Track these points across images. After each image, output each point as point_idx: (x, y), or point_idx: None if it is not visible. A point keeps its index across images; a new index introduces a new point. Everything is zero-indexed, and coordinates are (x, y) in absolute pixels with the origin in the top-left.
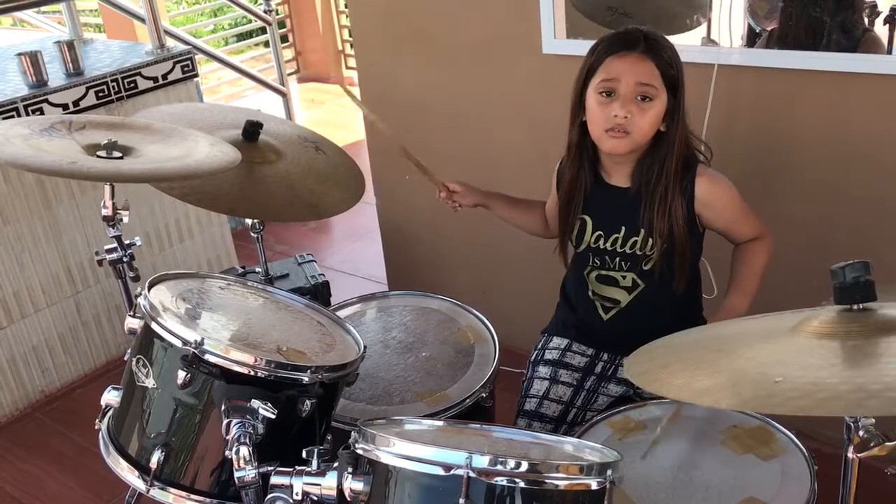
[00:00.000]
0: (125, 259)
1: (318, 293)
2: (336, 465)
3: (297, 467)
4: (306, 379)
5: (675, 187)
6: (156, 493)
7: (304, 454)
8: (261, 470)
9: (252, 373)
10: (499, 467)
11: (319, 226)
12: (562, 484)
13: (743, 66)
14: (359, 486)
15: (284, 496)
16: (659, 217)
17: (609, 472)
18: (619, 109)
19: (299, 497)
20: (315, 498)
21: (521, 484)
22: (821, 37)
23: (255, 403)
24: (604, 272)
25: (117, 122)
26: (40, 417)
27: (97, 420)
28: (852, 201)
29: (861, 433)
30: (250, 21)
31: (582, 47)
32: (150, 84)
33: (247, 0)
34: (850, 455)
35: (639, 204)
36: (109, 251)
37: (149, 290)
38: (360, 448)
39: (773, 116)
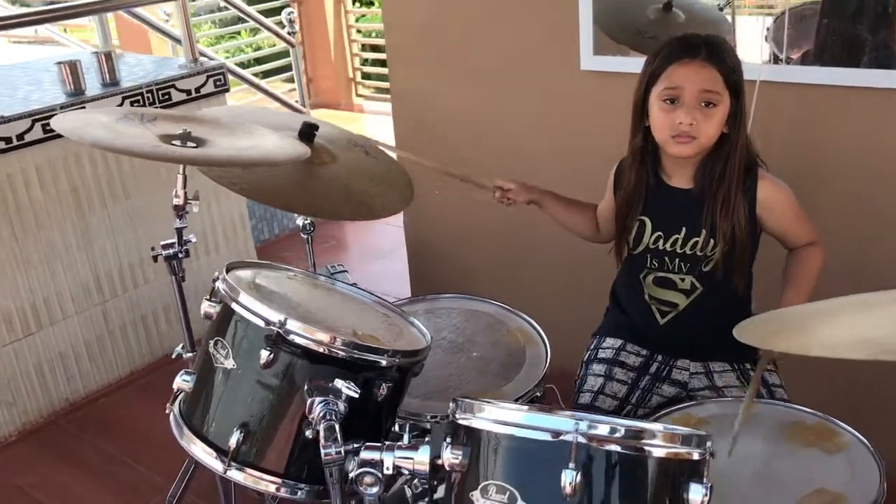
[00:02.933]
0: (181, 255)
1: None
2: (428, 438)
3: (388, 442)
4: (384, 362)
5: (737, 189)
6: (233, 473)
7: (396, 428)
8: (346, 448)
9: (334, 353)
10: (607, 433)
11: (338, 244)
12: (663, 452)
13: (784, 82)
14: (457, 456)
15: (374, 471)
16: (722, 218)
17: (708, 443)
18: (685, 117)
19: (390, 471)
20: (407, 472)
21: (625, 451)
22: (861, 54)
23: (339, 383)
24: (661, 274)
25: (187, 115)
26: (65, 425)
27: (167, 404)
28: (886, 218)
29: None
30: (268, 46)
31: (620, 63)
32: (184, 97)
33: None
34: None
35: (701, 205)
36: (166, 246)
37: (226, 273)
38: (461, 418)
39: (812, 132)
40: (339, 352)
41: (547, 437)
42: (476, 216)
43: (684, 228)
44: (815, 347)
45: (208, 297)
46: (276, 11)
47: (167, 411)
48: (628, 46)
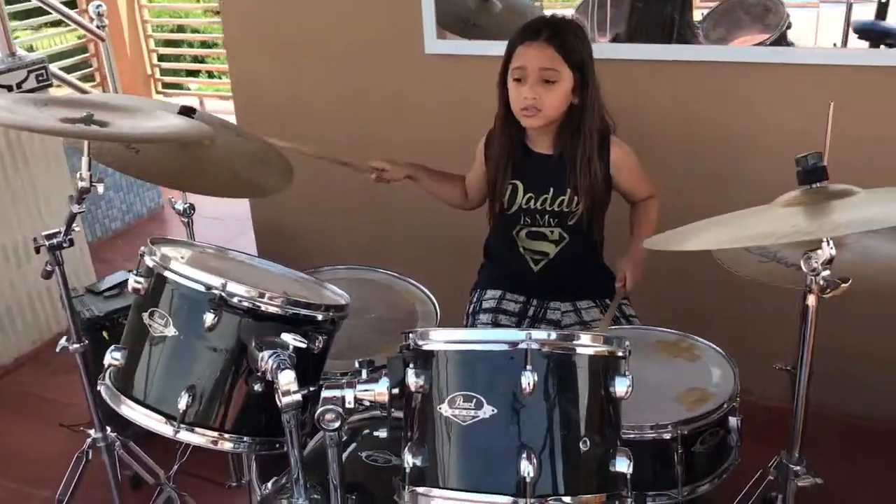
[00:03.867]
0: (65, 244)
1: None
2: (386, 372)
3: (347, 380)
4: (320, 316)
5: (593, 152)
6: (184, 434)
7: (356, 364)
8: (304, 392)
9: (275, 311)
10: (554, 338)
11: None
12: (593, 350)
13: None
14: (421, 379)
15: (335, 407)
16: (583, 178)
17: (626, 343)
18: (528, 92)
19: (351, 405)
20: (367, 403)
21: (566, 352)
22: (671, 32)
23: (286, 336)
24: (534, 229)
25: (76, 98)
26: None
27: (98, 379)
28: (701, 170)
29: (820, 280)
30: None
31: (463, 47)
32: (5, 93)
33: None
34: (810, 303)
35: (564, 168)
36: (49, 237)
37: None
38: (424, 344)
39: (638, 100)
40: (280, 309)
41: (505, 347)
42: (332, 193)
43: (552, 188)
44: (697, 244)
45: (135, 271)
46: (70, 4)
47: (98, 387)
48: (456, 34)
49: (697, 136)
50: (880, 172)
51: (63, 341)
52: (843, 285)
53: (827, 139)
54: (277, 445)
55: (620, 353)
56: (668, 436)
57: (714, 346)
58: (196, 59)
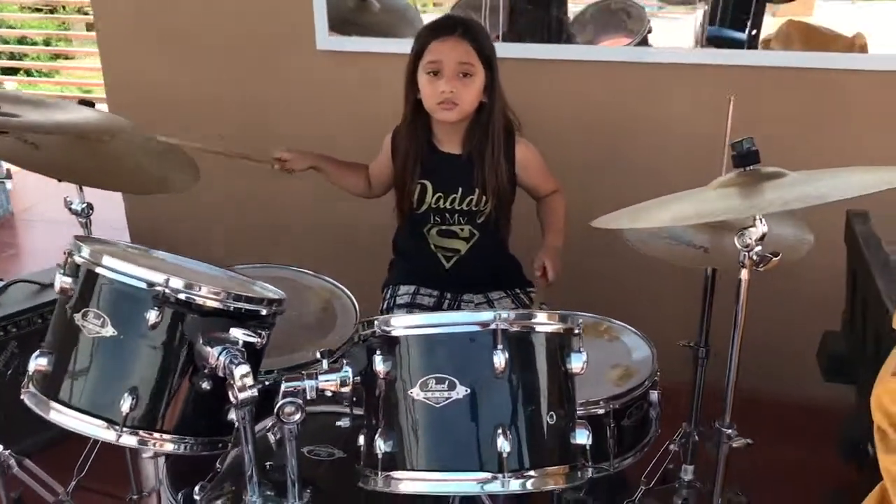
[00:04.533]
0: None
1: None
2: (346, 361)
3: (306, 371)
4: (264, 311)
5: (500, 151)
6: (126, 439)
7: (318, 355)
8: (259, 386)
9: (220, 306)
10: (518, 318)
11: (19, 251)
12: (550, 328)
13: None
14: (389, 365)
15: (296, 400)
16: (490, 177)
17: (580, 320)
18: (446, 85)
19: (314, 396)
20: (330, 394)
21: (527, 330)
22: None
23: (236, 331)
24: (444, 227)
25: None
26: None
27: (22, 388)
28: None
29: (754, 256)
30: None
31: (356, 43)
32: None
33: None
34: (744, 277)
35: (471, 167)
36: None
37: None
38: (391, 330)
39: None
40: (224, 304)
41: (476, 328)
42: (218, 192)
43: (461, 188)
44: (647, 222)
45: (61, 270)
46: None
47: (22, 396)
48: (335, 32)
49: (595, 131)
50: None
51: None
52: (774, 259)
53: (728, 130)
54: (220, 445)
55: (577, 330)
56: (601, 411)
57: (629, 327)
58: (13, 57)
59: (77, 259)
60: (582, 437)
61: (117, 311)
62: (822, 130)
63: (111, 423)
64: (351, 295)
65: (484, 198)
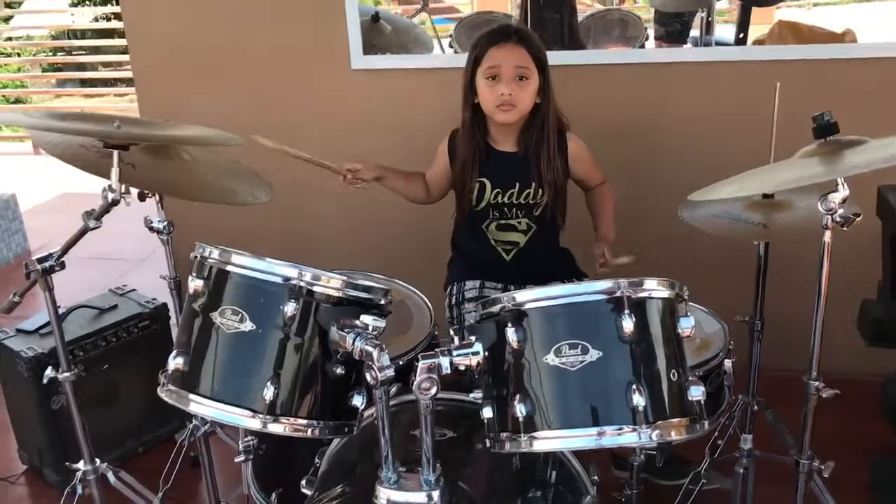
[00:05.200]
0: (56, 267)
1: (159, 315)
2: (474, 338)
3: (439, 348)
4: (383, 300)
5: (554, 147)
6: (273, 426)
7: (451, 332)
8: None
9: (349, 296)
10: (639, 285)
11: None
12: (666, 293)
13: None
14: (520, 336)
15: (432, 375)
16: (546, 172)
17: (685, 287)
18: (505, 88)
19: (448, 371)
20: (463, 367)
21: (642, 296)
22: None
23: (366, 318)
24: (503, 221)
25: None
26: None
27: (159, 390)
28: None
29: (837, 217)
30: None
31: (389, 61)
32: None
33: None
34: (827, 240)
35: (527, 164)
36: (42, 260)
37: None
38: (524, 303)
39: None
40: (352, 294)
41: (602, 297)
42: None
43: (518, 184)
44: (740, 190)
45: (193, 274)
46: None
47: (161, 393)
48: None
49: (626, 129)
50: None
51: (49, 371)
52: (857, 219)
53: (775, 115)
54: (346, 429)
55: (685, 296)
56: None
57: (695, 304)
58: None
59: (209, 260)
60: (697, 392)
61: (255, 306)
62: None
63: (254, 411)
64: (423, 295)
65: (540, 191)
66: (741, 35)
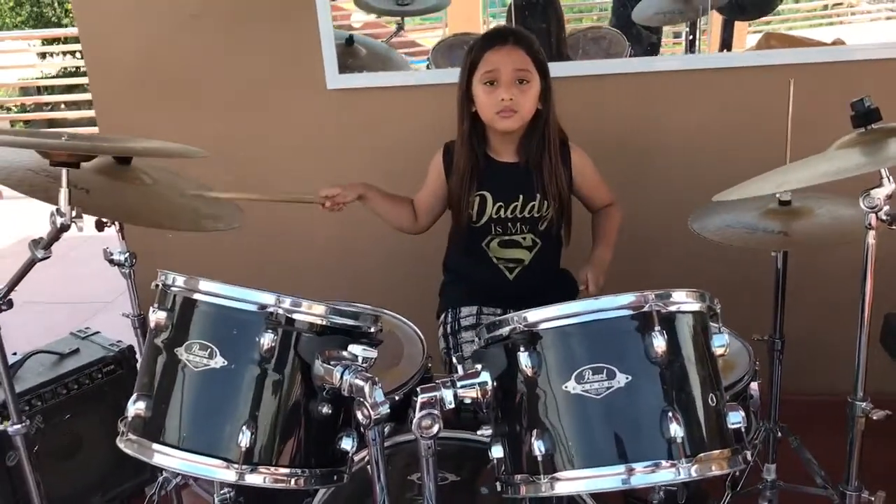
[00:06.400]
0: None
1: (125, 359)
2: (480, 367)
3: (440, 380)
4: (372, 328)
5: (557, 157)
6: (251, 478)
7: (454, 361)
8: (384, 401)
9: (333, 324)
10: (671, 298)
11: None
12: (697, 306)
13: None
14: (535, 362)
15: (433, 411)
16: (550, 182)
17: (716, 299)
18: (504, 93)
19: (452, 405)
20: (469, 401)
21: (674, 311)
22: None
23: (354, 348)
24: (506, 237)
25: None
26: None
27: (118, 440)
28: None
29: (882, 216)
30: None
31: (365, 80)
32: None
33: None
34: (870, 241)
35: (530, 174)
36: None
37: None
38: (538, 324)
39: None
40: (338, 321)
41: (627, 313)
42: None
43: (521, 196)
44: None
45: (155, 305)
46: None
47: (120, 444)
48: None
49: (627, 140)
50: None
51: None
52: None
53: (790, 111)
54: (335, 477)
55: (717, 309)
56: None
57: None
58: None
59: (173, 289)
60: (736, 418)
61: (226, 338)
62: None
63: (229, 461)
64: (411, 324)
65: (546, 203)
66: (724, 51)
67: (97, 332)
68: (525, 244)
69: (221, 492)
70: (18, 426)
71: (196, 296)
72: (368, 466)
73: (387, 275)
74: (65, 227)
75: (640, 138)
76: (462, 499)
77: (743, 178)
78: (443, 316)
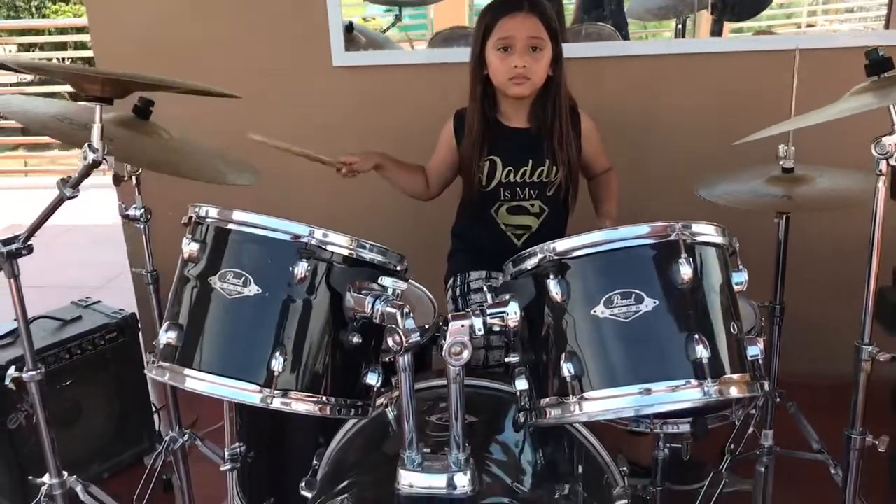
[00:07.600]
0: (24, 251)
1: (128, 326)
2: (508, 296)
3: (470, 308)
4: (399, 266)
5: (568, 123)
6: (277, 403)
7: (484, 289)
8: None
9: (361, 256)
10: (697, 230)
11: None
12: (720, 239)
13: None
14: (564, 289)
15: (464, 339)
16: (559, 148)
17: (735, 239)
18: (518, 60)
19: (481, 332)
20: (498, 329)
21: (697, 242)
22: None
23: (385, 280)
24: (514, 203)
25: None
26: None
27: (146, 370)
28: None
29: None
30: None
31: (370, 58)
32: None
33: None
34: (881, 186)
35: (540, 139)
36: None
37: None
38: (568, 253)
39: None
40: (366, 254)
41: (654, 241)
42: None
43: (531, 160)
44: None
45: (188, 237)
46: None
47: (149, 373)
48: None
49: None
50: None
51: (13, 371)
52: None
53: (794, 81)
54: (358, 410)
55: (737, 246)
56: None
57: None
58: None
59: (207, 220)
60: (755, 350)
61: (260, 267)
62: None
63: (259, 385)
64: (422, 287)
65: (554, 168)
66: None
67: (98, 301)
68: (533, 211)
69: (232, 446)
70: (33, 373)
71: (230, 226)
72: (396, 395)
73: (397, 240)
74: (96, 164)
75: (641, 120)
76: (480, 439)
77: (745, 157)
78: (451, 280)
